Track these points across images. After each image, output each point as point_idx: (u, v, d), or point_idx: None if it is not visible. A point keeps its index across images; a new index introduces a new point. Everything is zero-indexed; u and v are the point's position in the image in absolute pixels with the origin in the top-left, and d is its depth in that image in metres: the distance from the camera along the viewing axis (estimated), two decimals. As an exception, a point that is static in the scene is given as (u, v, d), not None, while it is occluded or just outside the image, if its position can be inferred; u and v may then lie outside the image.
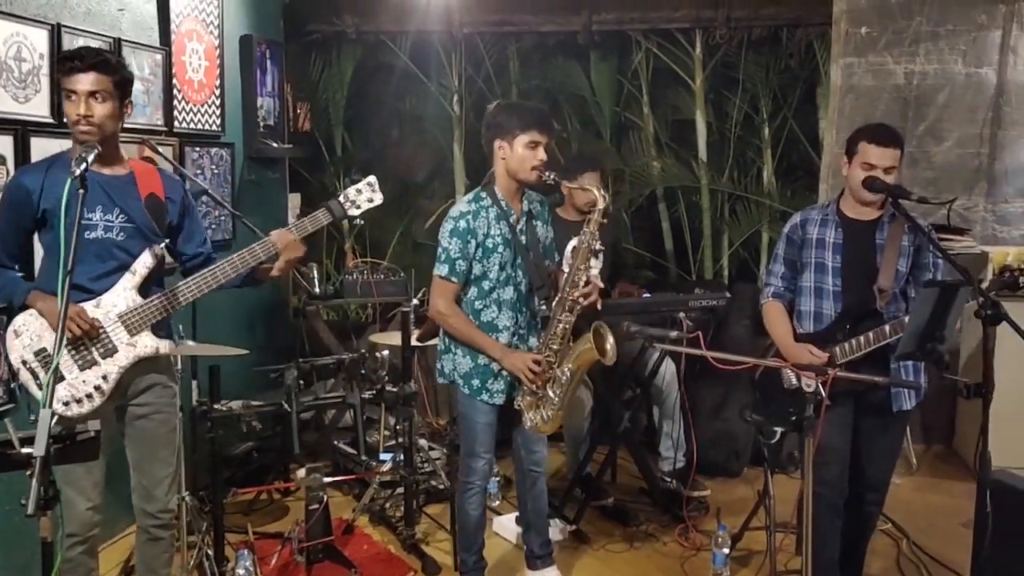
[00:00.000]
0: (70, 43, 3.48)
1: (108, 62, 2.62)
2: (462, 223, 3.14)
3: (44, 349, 2.62)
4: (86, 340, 2.62)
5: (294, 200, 5.55)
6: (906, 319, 2.88)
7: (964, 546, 2.78)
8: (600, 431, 4.33)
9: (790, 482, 4.28)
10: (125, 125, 3.86)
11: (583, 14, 5.64)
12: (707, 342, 2.75)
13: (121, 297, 2.68)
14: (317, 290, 3.51)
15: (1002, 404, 4.32)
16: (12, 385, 2.96)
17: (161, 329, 2.78)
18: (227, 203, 4.64)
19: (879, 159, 2.96)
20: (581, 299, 3.12)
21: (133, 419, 2.79)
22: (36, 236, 2.72)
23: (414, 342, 3.89)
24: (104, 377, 2.65)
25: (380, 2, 5.72)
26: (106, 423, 2.11)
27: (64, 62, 2.58)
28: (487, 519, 3.55)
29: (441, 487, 4.29)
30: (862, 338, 2.98)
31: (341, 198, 2.97)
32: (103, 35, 3.75)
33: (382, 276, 5.04)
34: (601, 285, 3.36)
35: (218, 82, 4.69)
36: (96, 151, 2.43)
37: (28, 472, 1.84)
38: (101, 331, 2.65)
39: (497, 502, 4.32)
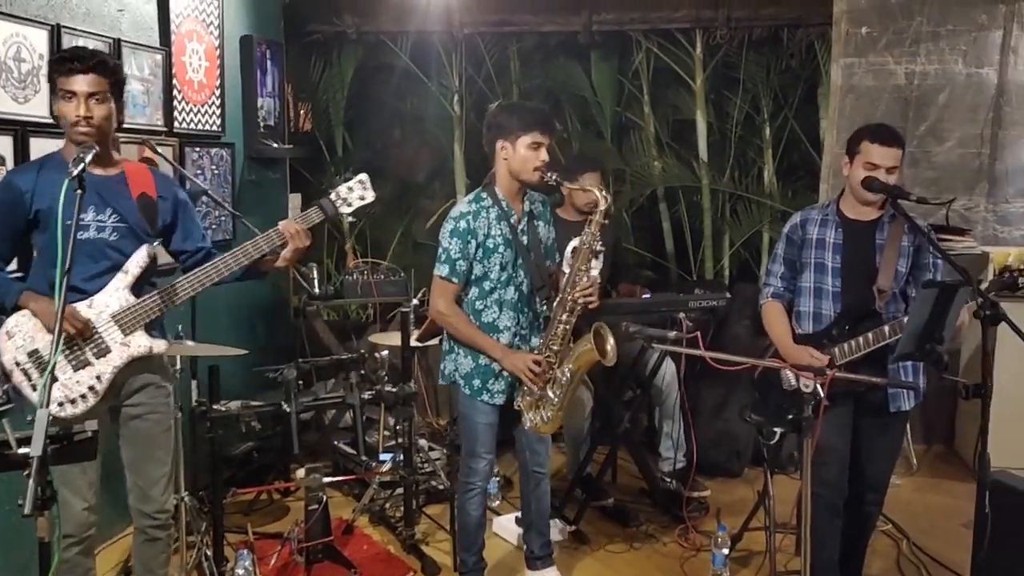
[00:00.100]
0: (70, 44, 3.48)
1: (107, 63, 2.62)
2: (462, 223, 3.14)
3: (37, 350, 2.61)
4: (79, 340, 2.62)
5: (295, 200, 5.54)
6: (905, 319, 2.87)
7: (965, 547, 2.77)
8: (600, 431, 4.33)
9: (791, 482, 4.27)
10: (125, 125, 3.92)
11: (583, 14, 5.64)
12: (707, 342, 2.74)
13: (114, 297, 2.67)
14: (317, 290, 3.51)
15: (1002, 405, 4.32)
16: (4, 387, 2.94)
17: (155, 328, 2.77)
18: (227, 203, 4.65)
19: (881, 159, 2.96)
20: (582, 299, 3.12)
21: (127, 419, 2.79)
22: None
23: (413, 342, 3.89)
24: (98, 377, 2.64)
25: (380, 2, 5.72)
26: (100, 424, 2.11)
27: (62, 63, 2.57)
28: (487, 519, 3.54)
29: (441, 487, 4.29)
30: (861, 339, 2.98)
31: (333, 196, 2.96)
32: (103, 36, 3.75)
33: (382, 276, 5.04)
34: (599, 281, 3.36)
35: (218, 82, 4.69)
36: (94, 151, 2.43)
37: (25, 472, 1.84)
38: (94, 331, 2.64)
39: (497, 502, 4.32)
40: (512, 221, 3.19)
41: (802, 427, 2.53)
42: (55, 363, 1.94)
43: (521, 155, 3.12)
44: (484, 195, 3.21)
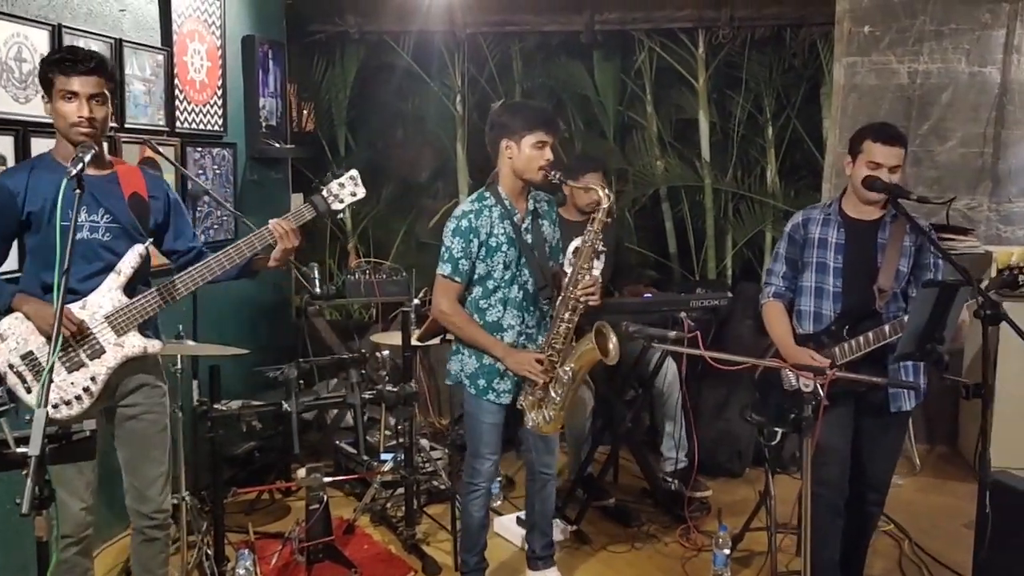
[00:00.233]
0: (71, 44, 3.48)
1: (107, 65, 2.63)
2: (464, 222, 3.14)
3: (31, 352, 2.60)
4: (73, 342, 2.61)
5: (297, 200, 5.55)
6: (906, 319, 2.86)
7: (967, 547, 2.77)
8: (602, 431, 4.33)
9: (793, 482, 4.25)
10: (127, 125, 3.93)
11: (586, 14, 5.63)
12: (710, 342, 2.74)
13: (107, 298, 2.66)
14: (318, 290, 3.50)
15: (1005, 405, 4.33)
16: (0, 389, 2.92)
17: (148, 328, 2.76)
18: (229, 203, 4.65)
19: (884, 158, 2.95)
20: (584, 298, 3.12)
21: (123, 420, 2.78)
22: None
23: (414, 342, 3.89)
24: (92, 379, 2.64)
25: (382, 2, 5.72)
26: (96, 425, 2.11)
27: (62, 62, 2.55)
28: (489, 520, 3.54)
29: (442, 487, 4.29)
30: (862, 338, 2.97)
31: (324, 192, 2.94)
32: (104, 36, 3.75)
33: (384, 276, 5.03)
34: (600, 281, 3.36)
35: (220, 82, 4.70)
36: (94, 151, 2.43)
37: (24, 472, 1.84)
38: (88, 332, 2.63)
39: (498, 502, 4.32)
40: (515, 220, 3.19)
41: (802, 427, 2.52)
42: (54, 362, 1.94)
43: (526, 154, 3.12)
44: (487, 194, 3.21)
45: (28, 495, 1.80)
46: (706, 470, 4.47)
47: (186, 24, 4.36)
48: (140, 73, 4.01)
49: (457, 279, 3.17)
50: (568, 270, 3.24)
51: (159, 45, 4.17)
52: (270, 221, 2.83)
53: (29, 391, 2.59)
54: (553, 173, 3.12)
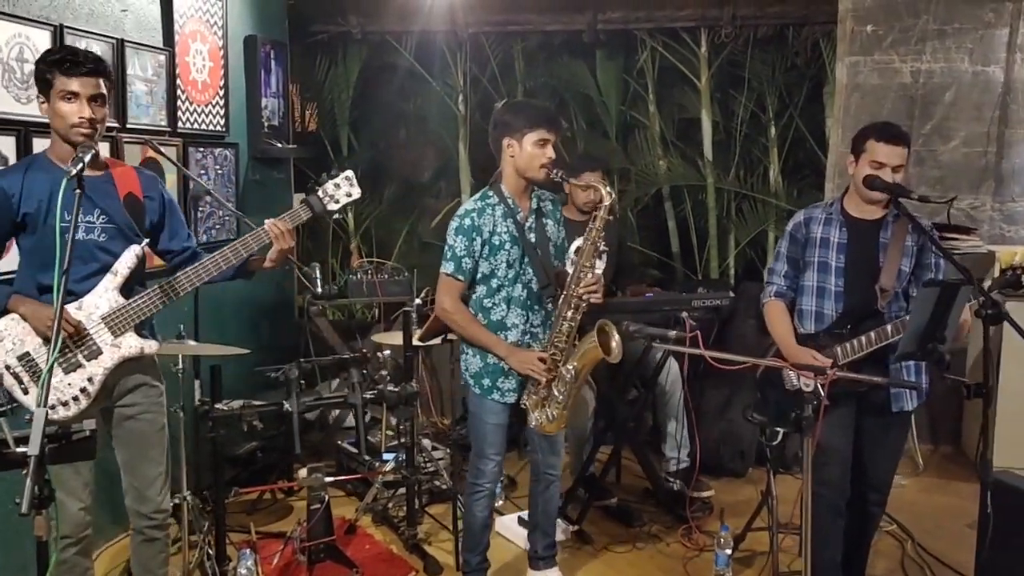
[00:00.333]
0: (73, 44, 3.49)
1: (106, 65, 2.64)
2: (467, 220, 3.14)
3: (28, 353, 2.60)
4: (70, 343, 2.60)
5: (299, 201, 5.55)
6: (908, 319, 2.86)
7: (970, 547, 2.75)
8: (604, 431, 4.32)
9: (795, 483, 4.23)
10: (129, 125, 3.94)
11: (588, 13, 5.63)
12: (712, 341, 2.74)
13: (103, 298, 2.66)
14: (320, 290, 3.50)
15: (1008, 404, 4.34)
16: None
17: (145, 329, 2.76)
18: (231, 203, 4.65)
19: (887, 157, 2.94)
20: (586, 296, 3.11)
21: (121, 420, 2.78)
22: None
23: (416, 342, 3.89)
24: (89, 379, 2.63)
25: (384, 2, 5.72)
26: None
27: (62, 63, 2.54)
28: (492, 520, 3.54)
29: (444, 487, 4.29)
30: (864, 338, 2.96)
31: (320, 193, 2.94)
32: (106, 36, 3.76)
33: (386, 276, 5.04)
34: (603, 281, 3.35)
35: (222, 83, 4.70)
36: (94, 151, 2.43)
37: (24, 471, 1.84)
38: (85, 333, 2.62)
39: (500, 502, 4.32)
40: (518, 218, 3.19)
41: (803, 427, 2.52)
42: (55, 361, 1.94)
43: (528, 152, 3.12)
44: (490, 193, 3.21)
45: (27, 495, 1.79)
46: (709, 470, 4.47)
47: (188, 24, 4.36)
48: (142, 73, 4.01)
49: (460, 277, 3.17)
50: (570, 269, 3.24)
51: (161, 45, 4.18)
52: (266, 221, 2.82)
53: (26, 392, 2.59)
54: (555, 171, 3.12)
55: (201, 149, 4.53)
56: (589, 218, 3.15)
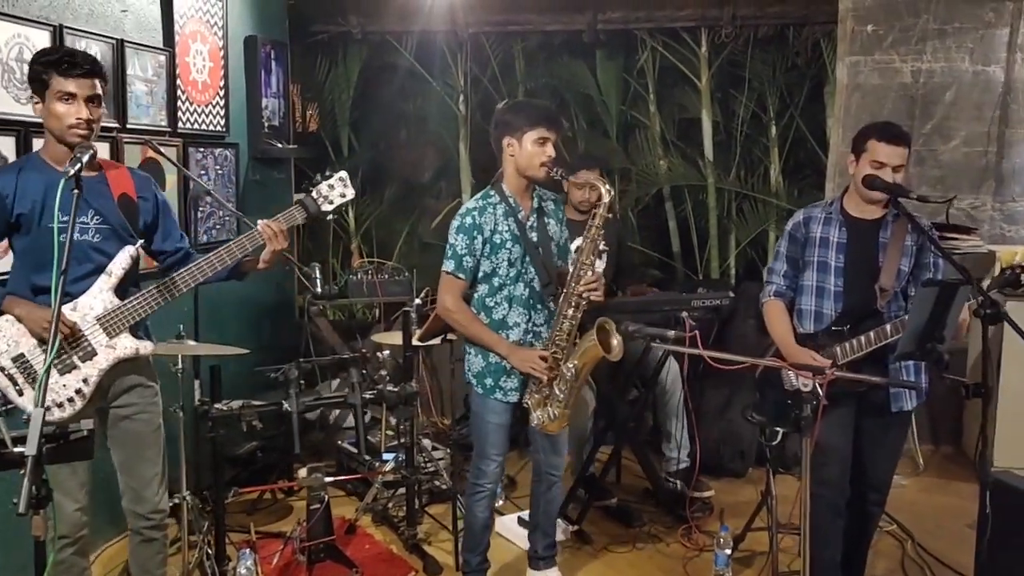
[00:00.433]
0: (72, 45, 3.49)
1: (102, 66, 2.64)
2: (468, 219, 3.15)
3: (22, 355, 2.59)
4: (65, 344, 2.59)
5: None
6: (907, 318, 2.85)
7: (970, 548, 2.74)
8: (604, 431, 4.32)
9: (795, 482, 4.20)
10: (129, 126, 3.94)
11: (588, 13, 5.64)
12: (712, 341, 2.73)
13: (98, 299, 2.65)
14: (319, 290, 3.50)
15: (1009, 405, 4.33)
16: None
17: (139, 329, 2.76)
18: (231, 204, 4.66)
19: (888, 157, 2.93)
20: (586, 294, 3.11)
21: (117, 421, 2.77)
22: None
23: (415, 342, 3.89)
24: (84, 380, 2.63)
25: (385, 2, 5.73)
26: None
27: (59, 64, 2.54)
28: (493, 520, 3.54)
29: (444, 487, 4.29)
30: (863, 338, 2.95)
31: (314, 194, 2.93)
32: (106, 37, 3.76)
33: (386, 276, 5.04)
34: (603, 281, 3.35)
35: (222, 83, 4.70)
36: (92, 151, 2.43)
37: (22, 472, 1.84)
38: (80, 334, 2.62)
39: (500, 502, 4.31)
40: (520, 217, 3.19)
41: (801, 427, 2.52)
42: (53, 360, 1.94)
43: (528, 151, 3.12)
44: (492, 192, 3.22)
45: (25, 495, 1.79)
46: (709, 470, 4.46)
47: (188, 25, 4.36)
48: (142, 74, 4.02)
49: (461, 276, 3.17)
50: (570, 268, 3.24)
51: (161, 46, 4.18)
52: (259, 222, 2.81)
53: (21, 394, 2.58)
54: (555, 169, 3.13)
55: (201, 149, 4.54)
56: (587, 217, 3.15)
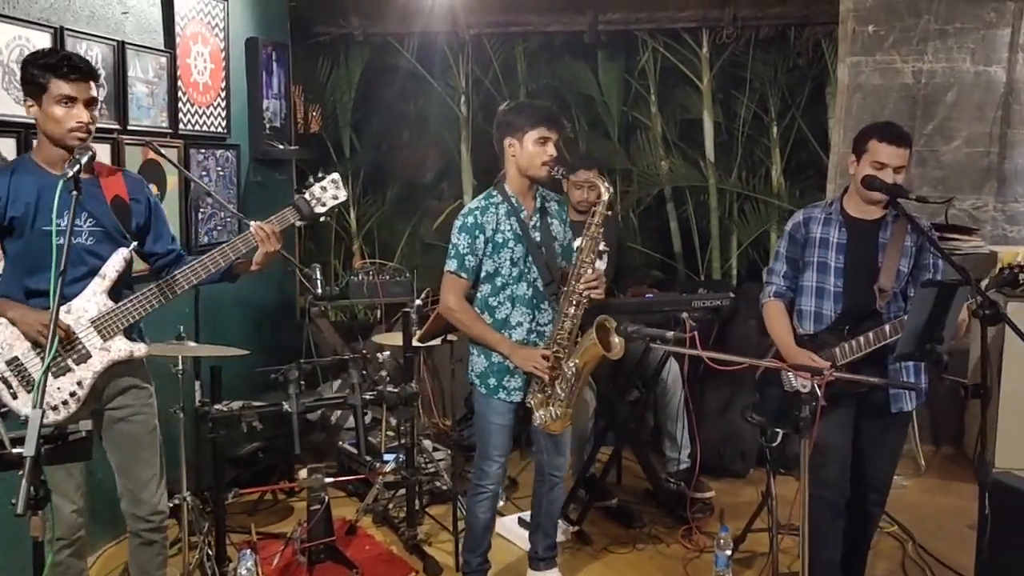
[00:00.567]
0: (73, 47, 3.50)
1: (96, 70, 2.64)
2: (470, 219, 3.16)
3: (16, 358, 2.59)
4: (59, 347, 2.58)
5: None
6: (906, 319, 2.85)
7: (971, 549, 2.74)
8: (604, 432, 4.32)
9: (796, 483, 4.22)
10: (130, 127, 3.95)
11: (589, 14, 5.64)
12: (713, 342, 2.73)
13: (92, 302, 2.65)
14: (320, 291, 3.51)
15: (1010, 406, 4.33)
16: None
17: (134, 332, 2.75)
18: (232, 205, 4.66)
19: (889, 158, 2.93)
20: (587, 292, 3.11)
21: (112, 423, 2.77)
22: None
23: (415, 343, 3.89)
24: (79, 383, 2.62)
25: (386, 4, 5.74)
26: None
27: (58, 67, 2.53)
28: (494, 521, 3.53)
29: (444, 488, 4.29)
30: (862, 338, 2.95)
31: (307, 195, 2.92)
32: (107, 38, 3.77)
33: (388, 277, 5.05)
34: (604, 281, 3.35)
35: (223, 84, 4.71)
36: (91, 153, 2.43)
37: (20, 472, 1.85)
38: (74, 337, 2.61)
39: (501, 503, 4.30)
40: (522, 217, 3.19)
41: (800, 428, 2.52)
42: (52, 360, 1.94)
43: (529, 150, 3.13)
44: (494, 192, 3.23)
45: (23, 495, 1.80)
46: (710, 471, 4.46)
47: (189, 26, 4.37)
48: (143, 75, 4.02)
49: (463, 275, 3.17)
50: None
51: (162, 47, 4.19)
52: (252, 224, 2.81)
53: (15, 397, 2.58)
54: (557, 168, 3.13)
55: (202, 151, 4.54)
56: (586, 217, 3.16)
